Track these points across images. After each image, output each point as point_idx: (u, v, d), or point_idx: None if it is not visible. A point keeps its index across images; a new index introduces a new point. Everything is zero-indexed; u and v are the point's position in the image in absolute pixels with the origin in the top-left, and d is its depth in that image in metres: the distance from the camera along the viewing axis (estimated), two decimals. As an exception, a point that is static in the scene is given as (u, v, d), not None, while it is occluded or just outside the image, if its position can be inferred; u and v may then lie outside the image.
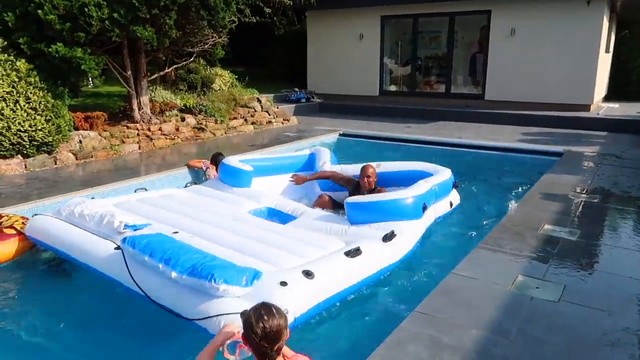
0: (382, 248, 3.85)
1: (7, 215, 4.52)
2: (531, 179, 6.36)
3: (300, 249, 3.72)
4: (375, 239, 3.94)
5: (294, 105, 13.10)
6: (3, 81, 6.52)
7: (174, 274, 2.96)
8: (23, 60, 6.89)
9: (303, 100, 13.56)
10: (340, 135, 9.96)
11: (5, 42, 6.96)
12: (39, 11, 6.87)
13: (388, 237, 3.96)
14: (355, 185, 5.20)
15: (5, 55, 6.80)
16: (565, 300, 3.06)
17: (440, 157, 8.35)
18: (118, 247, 3.39)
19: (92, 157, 7.40)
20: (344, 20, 13.96)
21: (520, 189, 6.09)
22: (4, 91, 6.46)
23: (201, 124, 9.47)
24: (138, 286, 3.12)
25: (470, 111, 11.89)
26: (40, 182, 6.11)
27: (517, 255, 3.71)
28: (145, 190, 4.97)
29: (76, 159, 7.23)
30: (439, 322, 2.78)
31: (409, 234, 4.17)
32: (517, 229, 4.28)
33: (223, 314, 2.75)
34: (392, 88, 14.24)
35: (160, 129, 8.63)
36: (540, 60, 11.55)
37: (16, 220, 4.40)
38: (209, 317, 2.79)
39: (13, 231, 4.13)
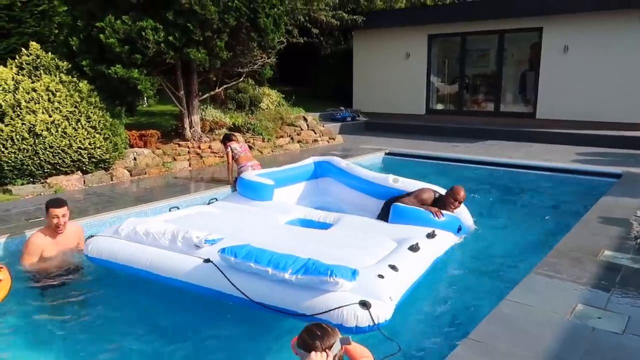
0: (429, 243, 4.13)
1: None
2: (588, 201, 6.08)
3: (365, 249, 3.95)
4: (418, 236, 4.19)
5: (340, 124, 13.17)
6: (67, 101, 6.90)
7: (287, 275, 3.15)
8: (85, 82, 7.29)
9: (349, 119, 13.61)
10: (386, 154, 9.90)
11: (70, 65, 7.38)
12: (101, 35, 7.27)
13: (430, 235, 4.28)
14: (437, 203, 5.03)
15: (70, 77, 7.21)
16: (630, 332, 2.88)
17: (490, 178, 8.18)
18: (208, 260, 3.54)
19: (145, 173, 7.68)
20: (391, 39, 13.99)
21: (576, 212, 5.84)
22: (67, 111, 6.83)
23: (249, 142, 9.65)
24: (241, 292, 3.29)
25: (520, 130, 11.56)
26: (98, 197, 6.38)
27: (575, 282, 3.54)
28: (178, 208, 5.09)
29: (131, 175, 7.51)
30: (494, 351, 2.67)
31: (445, 235, 4.53)
32: (574, 254, 4.09)
33: (344, 306, 2.98)
34: (439, 106, 14.08)
35: (210, 147, 8.86)
36: (595, 77, 11.15)
37: None
38: (331, 310, 3.00)
39: None
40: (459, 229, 4.86)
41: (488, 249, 4.93)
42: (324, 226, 4.84)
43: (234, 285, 3.34)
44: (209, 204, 5.47)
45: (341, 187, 6.18)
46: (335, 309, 2.99)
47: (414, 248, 3.91)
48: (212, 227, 4.31)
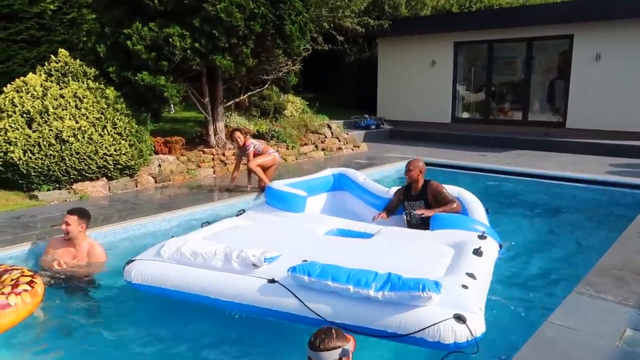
0: (486, 246, 3.94)
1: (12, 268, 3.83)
2: (624, 215, 5.81)
3: (428, 257, 3.78)
4: (470, 240, 4.03)
5: (364, 131, 13.03)
6: (93, 108, 6.93)
7: (372, 292, 2.96)
8: (112, 88, 7.32)
9: (373, 126, 13.47)
10: (411, 163, 9.71)
11: (97, 72, 7.42)
12: (128, 42, 7.30)
13: (482, 236, 4.11)
14: (404, 190, 5.27)
15: (97, 83, 7.24)
16: (686, 361, 2.67)
17: (519, 189, 7.94)
18: (273, 280, 3.33)
19: (169, 180, 7.66)
20: (416, 46, 13.83)
21: (612, 227, 5.58)
22: (94, 117, 6.86)
23: (273, 149, 9.57)
24: (315, 313, 3.09)
25: (549, 140, 11.25)
26: (122, 204, 6.36)
27: (622, 304, 3.32)
28: (209, 223, 4.92)
29: (155, 182, 7.50)
30: (538, 379, 2.49)
31: (491, 238, 4.34)
32: (618, 273, 3.86)
33: (440, 322, 2.81)
34: (465, 115, 13.83)
35: (234, 154, 8.80)
36: (628, 86, 10.79)
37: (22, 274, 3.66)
38: (426, 327, 2.82)
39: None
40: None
41: (521, 265, 4.71)
42: (365, 236, 4.60)
43: (307, 306, 3.12)
44: (237, 215, 5.24)
45: (357, 202, 5.98)
46: (430, 326, 2.81)
47: (478, 252, 3.72)
48: (254, 242, 4.09)
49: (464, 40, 13.12)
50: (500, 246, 4.56)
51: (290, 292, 3.22)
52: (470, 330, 2.78)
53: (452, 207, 4.89)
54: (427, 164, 9.37)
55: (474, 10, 15.51)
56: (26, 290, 3.32)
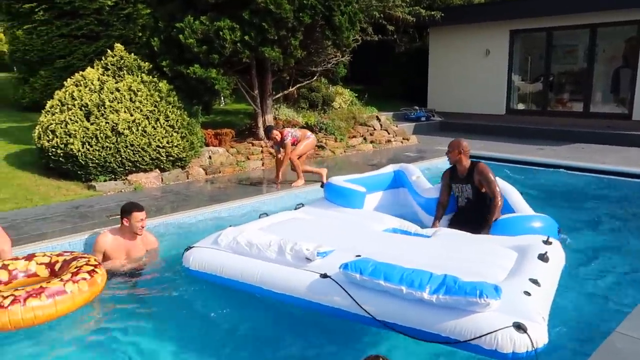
0: (552, 251, 3.69)
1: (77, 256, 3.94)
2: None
3: (489, 260, 3.58)
4: (535, 244, 3.78)
5: (414, 124, 12.76)
6: (147, 101, 7.10)
7: (425, 295, 2.86)
8: (165, 82, 7.47)
9: (423, 118, 13.16)
10: (463, 156, 9.39)
11: (151, 65, 7.59)
12: (180, 36, 7.41)
13: (547, 241, 3.84)
14: (450, 172, 4.99)
15: (150, 77, 7.41)
16: None
17: (581, 185, 7.50)
18: (325, 275, 3.32)
19: (219, 172, 7.76)
20: (469, 35, 13.36)
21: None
22: (147, 110, 7.03)
23: (321, 141, 9.54)
24: (366, 311, 3.05)
25: (613, 133, 10.59)
26: (174, 195, 6.49)
27: (700, 314, 3.04)
28: (267, 215, 4.95)
29: (205, 173, 7.62)
30: (607, 394, 2.30)
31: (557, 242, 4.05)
32: (695, 279, 3.55)
33: (498, 330, 2.67)
34: (521, 106, 13.26)
35: (271, 152, 8.81)
36: None
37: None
38: (483, 335, 2.69)
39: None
40: (559, 231, 4.44)
41: (583, 268, 4.42)
42: (421, 237, 4.46)
43: (358, 304, 3.07)
44: (296, 209, 5.23)
45: (412, 201, 5.76)
46: (488, 334, 2.68)
47: (544, 257, 3.48)
48: (309, 236, 4.09)
49: (520, 28, 12.54)
50: (559, 230, 4.38)
51: (342, 288, 3.16)
52: (531, 341, 2.61)
53: (497, 207, 4.55)
54: (480, 157, 9.15)
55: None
56: (84, 279, 3.42)
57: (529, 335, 2.62)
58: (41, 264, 3.76)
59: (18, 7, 11.34)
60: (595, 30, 11.53)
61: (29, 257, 3.79)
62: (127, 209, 4.37)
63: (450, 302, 2.81)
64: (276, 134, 6.93)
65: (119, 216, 4.48)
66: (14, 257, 3.85)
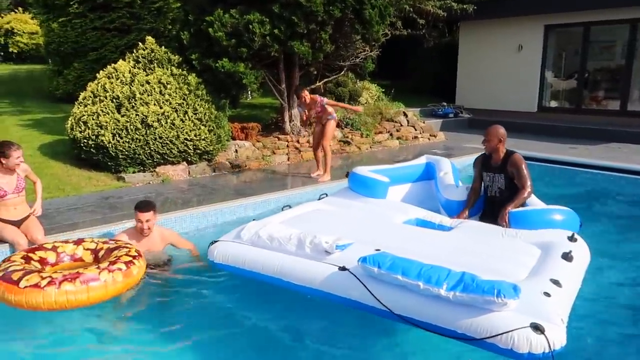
0: (577, 250, 3.63)
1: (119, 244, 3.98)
2: None
3: (508, 255, 3.56)
4: (560, 241, 3.71)
5: (441, 120, 12.56)
6: (176, 94, 7.16)
7: (442, 292, 2.87)
8: (194, 75, 7.52)
9: (451, 115, 12.94)
10: (492, 154, 9.20)
11: (181, 59, 7.65)
12: (210, 29, 7.44)
13: (571, 238, 3.77)
14: (482, 159, 4.86)
15: (180, 70, 7.47)
16: None
17: (616, 187, 7.27)
18: (343, 268, 3.36)
19: (245, 166, 7.78)
20: (501, 30, 13.05)
21: None
22: (176, 103, 7.09)
23: (347, 137, 9.48)
24: (383, 305, 3.10)
25: (651, 132, 10.22)
26: (201, 188, 6.54)
27: None
28: (290, 207, 4.96)
29: (232, 167, 7.65)
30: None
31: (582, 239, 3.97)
32: None
33: (515, 329, 2.66)
34: (553, 104, 12.90)
35: (308, 142, 8.79)
36: None
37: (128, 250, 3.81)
38: (500, 334, 2.69)
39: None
40: (581, 224, 4.33)
41: (616, 276, 4.26)
42: (443, 229, 4.44)
43: (375, 297, 3.11)
44: (319, 199, 5.28)
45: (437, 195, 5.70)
46: (504, 332, 2.68)
47: (567, 257, 3.43)
48: (330, 227, 4.15)
49: (556, 23, 12.18)
50: (581, 225, 4.29)
51: (360, 281, 3.21)
52: (548, 342, 2.59)
53: (522, 197, 4.42)
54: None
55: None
56: (120, 270, 3.46)
57: (546, 337, 2.60)
58: (87, 249, 3.87)
59: (54, 0, 11.60)
60: (636, 26, 11.11)
61: (78, 242, 3.91)
62: (135, 206, 4.32)
63: (467, 300, 2.81)
64: (306, 94, 6.93)
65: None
66: (65, 240, 3.96)
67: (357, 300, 3.21)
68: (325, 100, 6.92)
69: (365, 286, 3.16)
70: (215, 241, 4.12)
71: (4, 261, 3.54)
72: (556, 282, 3.06)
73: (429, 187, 5.83)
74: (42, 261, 3.69)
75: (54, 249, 3.81)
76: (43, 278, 3.21)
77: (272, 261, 3.68)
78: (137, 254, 3.72)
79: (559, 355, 2.62)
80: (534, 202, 4.62)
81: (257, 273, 3.73)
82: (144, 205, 4.30)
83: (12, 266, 3.39)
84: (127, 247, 3.81)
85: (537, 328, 2.63)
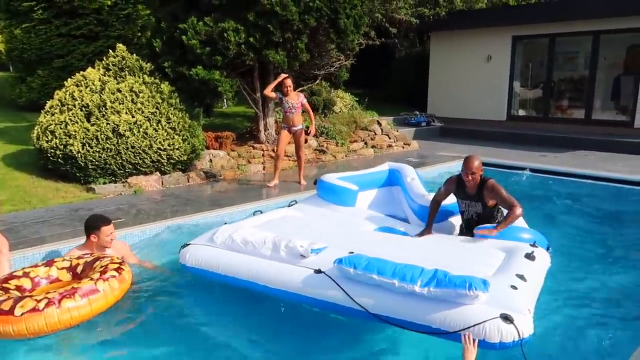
0: (538, 253, 3.74)
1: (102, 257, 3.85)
2: None
3: (475, 256, 3.68)
4: (522, 246, 3.82)
5: (414, 129, 12.68)
6: (149, 102, 6.97)
7: (417, 288, 2.94)
8: (167, 83, 7.35)
9: (423, 124, 13.09)
10: (466, 162, 9.32)
11: (153, 66, 7.47)
12: (183, 37, 7.30)
13: (533, 245, 3.87)
14: (456, 184, 4.56)
15: (152, 78, 7.29)
16: None
17: (587, 193, 7.44)
18: (319, 271, 3.39)
19: (220, 175, 7.63)
20: (471, 40, 13.32)
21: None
22: (149, 112, 6.90)
23: (322, 146, 9.44)
24: (359, 305, 3.13)
25: (615, 140, 10.56)
26: (175, 199, 6.36)
27: None
28: (261, 212, 4.96)
29: (206, 177, 7.49)
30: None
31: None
32: None
33: (486, 321, 2.77)
34: (521, 113, 13.22)
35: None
36: None
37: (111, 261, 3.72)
38: (472, 325, 2.80)
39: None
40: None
41: (583, 283, 4.32)
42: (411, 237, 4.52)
43: (351, 298, 3.15)
44: (289, 206, 5.27)
45: (404, 201, 5.73)
46: (476, 324, 2.79)
47: (530, 256, 3.57)
48: (303, 233, 4.15)
49: (523, 34, 12.52)
50: (548, 248, 4.33)
51: (336, 283, 3.26)
52: (517, 331, 2.72)
53: (515, 216, 4.30)
54: (485, 164, 9.02)
55: (534, 3, 14.81)
56: (114, 277, 3.43)
57: (515, 326, 2.72)
58: (62, 268, 3.71)
59: (17, 6, 11.20)
60: (598, 37, 11.52)
61: (49, 263, 3.73)
62: (94, 225, 4.08)
63: (440, 295, 2.90)
64: (290, 83, 6.87)
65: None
66: (34, 265, 3.76)
67: (333, 302, 3.26)
68: (305, 100, 7.00)
69: (341, 287, 3.21)
70: (187, 244, 4.06)
71: None
72: (521, 277, 3.20)
73: (392, 193, 5.93)
74: (19, 289, 3.47)
75: (26, 275, 3.58)
76: (39, 301, 3.06)
77: (247, 265, 3.69)
78: (120, 260, 3.68)
79: (527, 344, 2.75)
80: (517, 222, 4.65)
81: (231, 277, 3.72)
82: (106, 219, 4.16)
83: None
84: (107, 256, 3.75)
85: (506, 318, 2.75)
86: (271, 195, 6.66)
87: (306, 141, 7.98)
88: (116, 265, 3.56)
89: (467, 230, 4.61)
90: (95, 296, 3.24)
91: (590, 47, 11.70)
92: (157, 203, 6.16)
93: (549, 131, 11.82)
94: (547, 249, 4.35)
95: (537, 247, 3.90)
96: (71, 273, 3.71)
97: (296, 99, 6.92)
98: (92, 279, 3.35)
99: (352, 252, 3.52)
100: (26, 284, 3.54)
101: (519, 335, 2.71)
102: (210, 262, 3.81)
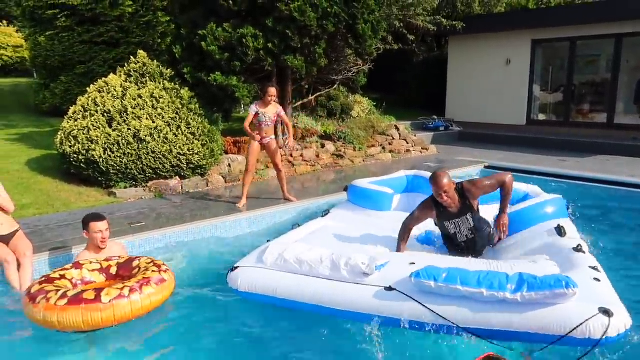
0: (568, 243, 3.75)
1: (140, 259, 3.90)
2: None
3: (538, 265, 3.53)
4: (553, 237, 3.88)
5: (432, 133, 12.61)
6: (169, 108, 7.06)
7: (509, 295, 2.84)
8: (186, 89, 7.44)
9: (441, 128, 13.01)
10: (485, 167, 9.24)
11: (173, 72, 7.57)
12: (203, 43, 7.39)
13: (560, 231, 3.91)
14: (434, 207, 4.08)
15: (172, 84, 7.38)
16: None
17: (610, 199, 7.30)
18: (390, 288, 3.23)
19: (239, 180, 7.67)
20: (490, 45, 13.21)
21: None
22: (169, 117, 6.99)
23: (340, 150, 9.45)
24: (447, 319, 2.99)
25: (639, 144, 10.35)
26: (194, 203, 6.42)
27: None
28: (299, 225, 4.74)
29: (225, 181, 7.55)
30: None
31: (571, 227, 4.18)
32: None
33: (590, 318, 2.69)
34: (541, 117, 13.05)
35: (301, 155, 8.74)
36: None
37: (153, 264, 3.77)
38: (578, 325, 2.70)
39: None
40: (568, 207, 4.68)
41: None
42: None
43: (437, 314, 2.99)
44: (323, 216, 5.08)
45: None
46: (583, 323, 2.70)
47: (578, 249, 3.60)
48: (355, 246, 4.09)
49: (543, 37, 12.37)
50: (568, 207, 4.57)
51: (414, 299, 3.09)
52: (620, 323, 2.67)
53: (510, 186, 4.03)
54: (504, 169, 8.97)
55: (554, 6, 14.63)
56: (168, 269, 3.61)
57: (616, 319, 2.66)
58: (93, 270, 3.72)
59: (41, 14, 11.47)
60: (621, 40, 11.33)
61: (77, 266, 3.72)
62: (84, 221, 4.07)
63: (536, 298, 2.78)
64: (274, 93, 6.04)
65: (139, 224, 4.37)
66: (62, 268, 3.71)
67: (411, 319, 3.09)
68: (283, 112, 6.38)
69: (422, 303, 3.04)
70: (236, 267, 3.78)
71: (38, 291, 3.23)
72: (595, 268, 3.17)
73: (414, 199, 5.80)
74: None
75: (63, 277, 3.57)
76: (122, 289, 3.20)
77: (307, 287, 3.43)
78: (153, 258, 3.84)
79: (626, 337, 2.71)
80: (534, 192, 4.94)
81: (291, 301, 3.47)
82: (96, 216, 4.09)
83: (65, 290, 3.23)
84: (139, 257, 3.86)
85: (606, 312, 2.67)
86: (290, 201, 6.68)
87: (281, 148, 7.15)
88: (159, 262, 3.73)
89: (470, 251, 4.09)
90: (164, 284, 3.42)
91: (613, 49, 11.52)
92: (177, 207, 6.22)
93: (570, 136, 11.65)
94: (567, 208, 4.61)
95: (563, 230, 3.97)
96: (104, 275, 3.72)
97: (274, 111, 6.21)
98: (154, 270, 3.49)
99: (413, 263, 3.38)
100: (68, 285, 3.53)
101: (623, 327, 2.66)
102: (266, 286, 3.54)
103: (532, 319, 2.79)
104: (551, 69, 13.14)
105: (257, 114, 6.09)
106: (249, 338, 3.50)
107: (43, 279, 3.45)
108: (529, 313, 2.81)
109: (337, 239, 4.33)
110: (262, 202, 6.44)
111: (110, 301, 3.09)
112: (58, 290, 3.20)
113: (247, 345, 3.44)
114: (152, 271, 3.50)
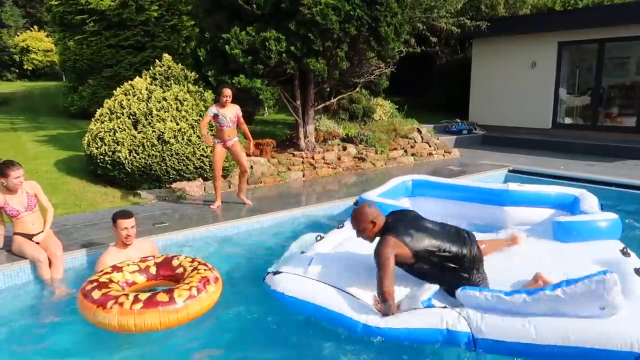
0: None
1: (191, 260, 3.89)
2: None
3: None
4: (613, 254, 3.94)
5: (455, 137, 12.48)
6: (193, 110, 7.16)
7: (547, 292, 2.94)
8: (210, 92, 7.53)
9: (464, 131, 12.87)
10: (509, 171, 9.09)
11: (197, 75, 7.67)
12: (226, 46, 7.47)
13: (625, 252, 3.95)
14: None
15: (196, 87, 7.49)
16: None
17: (637, 205, 7.11)
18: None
19: (260, 182, 7.74)
20: (515, 47, 13.03)
21: None
22: (193, 119, 7.09)
23: (362, 153, 9.43)
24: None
25: (670, 149, 10.07)
26: (217, 204, 6.48)
27: None
28: (322, 236, 4.61)
29: (247, 183, 7.59)
30: None
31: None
32: None
33: None
34: (568, 120, 12.80)
35: (323, 158, 8.76)
36: None
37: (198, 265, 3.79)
38: None
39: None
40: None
41: None
42: None
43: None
44: (339, 228, 4.88)
45: (437, 202, 5.90)
46: None
47: (625, 253, 3.84)
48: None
49: (570, 39, 12.14)
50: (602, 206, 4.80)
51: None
52: None
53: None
54: (529, 173, 8.80)
55: (582, 7, 14.35)
56: (212, 269, 3.68)
57: None
58: (134, 272, 3.71)
59: (70, 19, 11.79)
60: (652, 42, 11.05)
61: (117, 269, 3.68)
62: (114, 217, 4.12)
63: (577, 290, 2.83)
64: (229, 95, 5.98)
65: (163, 224, 4.42)
66: (103, 271, 3.65)
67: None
68: (240, 114, 6.23)
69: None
70: (274, 273, 3.77)
71: (104, 296, 3.23)
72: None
73: (419, 203, 5.89)
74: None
75: (111, 281, 3.53)
76: (189, 289, 3.30)
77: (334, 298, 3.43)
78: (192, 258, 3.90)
79: None
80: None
81: (326, 310, 3.36)
82: (123, 213, 4.12)
83: (134, 294, 3.28)
84: (174, 256, 3.91)
85: None
86: (310, 202, 6.70)
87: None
88: (209, 267, 3.75)
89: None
90: (219, 283, 3.56)
91: (643, 52, 11.24)
92: (199, 208, 6.29)
93: (597, 140, 11.38)
94: (601, 207, 4.82)
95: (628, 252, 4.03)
96: (145, 275, 3.72)
97: (233, 111, 6.10)
98: (205, 269, 3.58)
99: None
100: (118, 288, 3.48)
101: None
102: (308, 295, 3.50)
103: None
104: (578, 72, 12.88)
105: (216, 115, 6.04)
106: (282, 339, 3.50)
107: (95, 284, 3.38)
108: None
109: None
110: (285, 203, 6.46)
111: (184, 302, 3.21)
112: (127, 295, 3.22)
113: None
114: (204, 270, 3.58)
